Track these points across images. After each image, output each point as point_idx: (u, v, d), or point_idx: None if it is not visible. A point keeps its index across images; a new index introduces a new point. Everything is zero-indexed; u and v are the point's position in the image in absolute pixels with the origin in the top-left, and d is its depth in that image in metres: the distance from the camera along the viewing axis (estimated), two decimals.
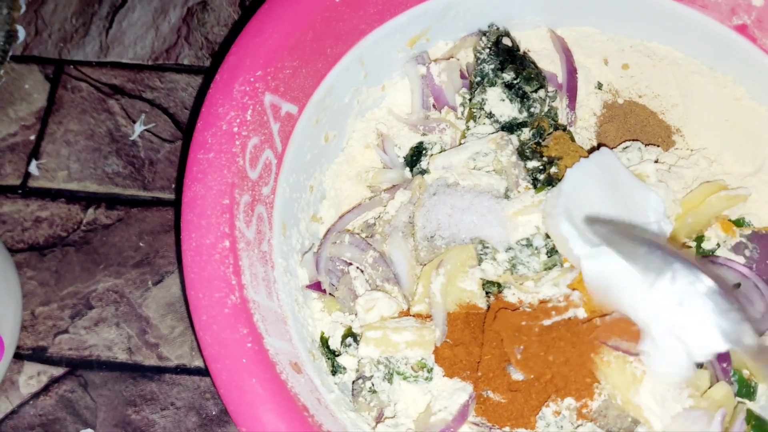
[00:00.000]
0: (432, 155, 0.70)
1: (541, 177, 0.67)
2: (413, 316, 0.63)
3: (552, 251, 0.64)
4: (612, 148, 0.70)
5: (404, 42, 0.73)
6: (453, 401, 0.59)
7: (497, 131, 0.70)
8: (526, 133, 0.70)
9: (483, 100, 0.71)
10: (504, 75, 0.71)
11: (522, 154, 0.69)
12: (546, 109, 0.72)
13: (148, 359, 0.72)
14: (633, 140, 0.73)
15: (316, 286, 0.66)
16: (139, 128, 0.82)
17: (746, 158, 0.72)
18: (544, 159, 0.68)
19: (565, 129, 0.71)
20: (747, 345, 0.54)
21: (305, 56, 0.64)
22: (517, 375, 0.60)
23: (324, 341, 0.64)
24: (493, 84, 0.71)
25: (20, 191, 0.79)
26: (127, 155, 0.80)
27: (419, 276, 0.64)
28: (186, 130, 0.81)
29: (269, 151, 0.62)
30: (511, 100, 0.70)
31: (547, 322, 0.60)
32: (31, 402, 0.70)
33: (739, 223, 0.69)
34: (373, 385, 0.61)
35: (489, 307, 0.63)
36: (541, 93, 0.71)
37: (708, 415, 0.57)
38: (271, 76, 0.61)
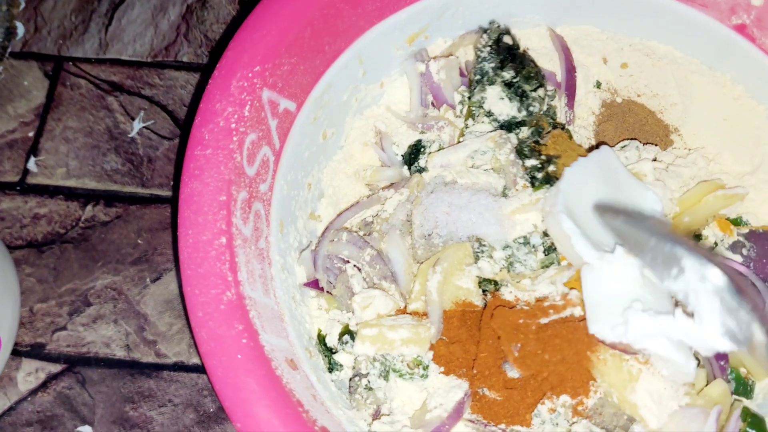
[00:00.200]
0: (430, 153, 0.70)
1: (540, 175, 0.67)
2: (410, 313, 0.63)
3: (549, 249, 0.64)
4: (610, 147, 0.70)
5: (403, 39, 0.73)
6: (449, 398, 0.59)
7: (496, 130, 0.70)
8: (524, 132, 0.70)
9: (482, 98, 0.71)
10: (504, 73, 0.71)
11: (520, 152, 0.69)
12: (545, 108, 0.72)
13: (146, 356, 0.72)
14: (631, 139, 0.73)
15: (314, 284, 0.66)
16: (137, 125, 0.82)
17: (744, 157, 0.72)
18: (543, 157, 0.68)
19: (563, 128, 0.71)
20: (755, 346, 0.52)
21: (303, 53, 0.64)
22: (512, 372, 0.60)
23: (321, 339, 0.64)
24: (492, 82, 0.71)
25: (19, 188, 0.79)
26: (126, 152, 0.81)
27: (416, 274, 0.64)
28: (184, 126, 0.81)
29: (267, 148, 0.62)
30: (510, 99, 0.70)
31: (544, 321, 0.60)
32: (29, 398, 0.70)
33: (736, 222, 0.69)
34: (369, 382, 0.61)
35: (485, 305, 0.63)
36: (540, 92, 0.71)
37: (704, 413, 0.57)
38: (269, 72, 0.61)
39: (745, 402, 0.63)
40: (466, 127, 0.71)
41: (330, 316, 0.66)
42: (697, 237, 0.68)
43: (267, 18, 0.63)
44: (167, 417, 0.69)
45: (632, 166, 0.68)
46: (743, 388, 0.64)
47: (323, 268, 0.66)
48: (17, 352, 0.72)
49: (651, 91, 0.76)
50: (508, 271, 0.64)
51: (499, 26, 0.74)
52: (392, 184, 0.70)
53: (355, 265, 0.65)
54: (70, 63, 0.85)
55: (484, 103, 0.70)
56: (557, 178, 0.65)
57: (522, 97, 0.70)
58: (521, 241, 0.64)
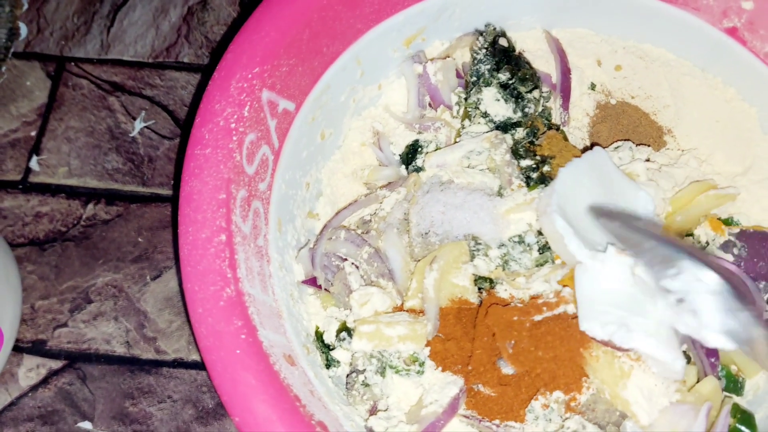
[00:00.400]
0: (427, 153, 0.71)
1: (534, 175, 0.68)
2: (407, 311, 0.64)
3: (544, 248, 0.65)
4: (604, 148, 0.71)
5: (400, 41, 0.74)
6: (444, 394, 0.60)
7: (492, 130, 0.71)
8: (520, 133, 0.71)
9: (478, 99, 0.72)
10: (499, 75, 0.72)
11: (515, 153, 0.70)
12: (540, 109, 0.73)
13: (146, 353, 0.73)
14: (625, 140, 0.74)
15: (312, 282, 0.67)
16: (138, 125, 0.83)
17: (736, 158, 0.73)
18: (538, 158, 0.69)
19: (558, 129, 0.72)
20: (756, 345, 0.53)
21: (302, 54, 0.65)
22: (507, 369, 0.61)
23: (319, 335, 0.65)
24: (488, 84, 0.72)
25: (21, 186, 0.80)
26: (127, 152, 0.82)
27: (413, 272, 0.65)
28: (184, 126, 0.83)
29: (266, 148, 0.63)
30: (506, 100, 0.71)
31: (537, 318, 0.61)
32: (30, 394, 0.71)
33: (728, 221, 0.70)
34: (366, 378, 0.62)
35: (481, 303, 0.64)
36: (536, 93, 0.72)
37: (694, 409, 0.58)
38: (268, 73, 0.62)
39: (736, 399, 0.64)
40: (463, 127, 0.72)
41: (328, 313, 0.67)
42: (689, 236, 0.69)
43: (266, 20, 0.64)
44: (166, 413, 0.70)
45: (625, 167, 0.69)
46: (734, 385, 0.64)
47: (321, 265, 0.67)
48: (19, 349, 0.73)
49: (644, 93, 0.77)
50: (503, 269, 0.65)
51: (494, 29, 0.75)
52: (390, 183, 0.71)
53: (352, 263, 0.66)
54: (72, 63, 0.86)
55: (480, 104, 0.71)
56: (552, 178, 0.66)
57: (517, 98, 0.71)
58: (516, 239, 0.65)
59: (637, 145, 0.73)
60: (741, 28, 0.70)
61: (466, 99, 0.73)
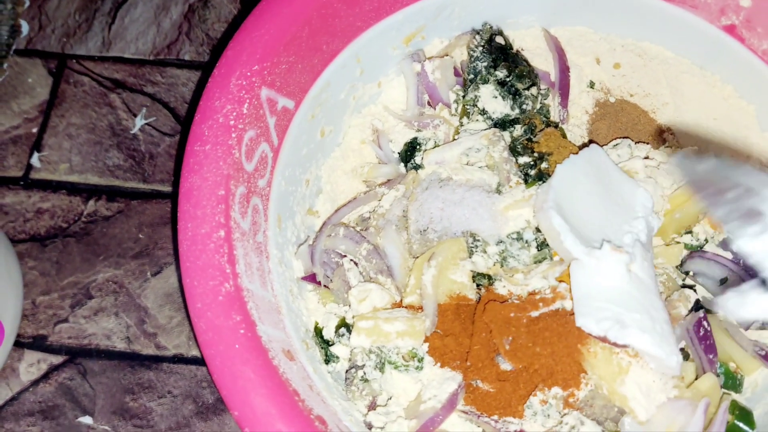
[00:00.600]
0: (426, 151, 0.71)
1: (532, 172, 0.68)
2: (405, 307, 0.64)
3: (542, 245, 0.65)
4: (603, 145, 0.72)
5: (400, 39, 0.74)
6: (442, 390, 0.60)
7: (490, 127, 0.71)
8: (518, 130, 0.71)
9: (476, 96, 0.72)
10: (497, 72, 0.72)
11: (513, 150, 0.70)
12: (538, 106, 0.73)
13: (146, 348, 0.73)
14: (624, 137, 0.74)
15: (311, 278, 0.68)
16: (139, 122, 0.83)
17: (734, 156, 0.73)
18: (535, 155, 0.69)
19: (556, 126, 0.73)
20: None
21: (301, 52, 0.65)
22: (505, 365, 0.61)
23: (318, 331, 0.66)
24: (486, 81, 0.72)
25: (22, 183, 0.80)
26: (128, 148, 0.82)
27: (412, 268, 0.66)
28: (185, 123, 0.83)
29: (265, 145, 0.63)
30: (503, 97, 0.72)
31: (534, 314, 0.61)
32: (31, 389, 0.72)
33: None
34: (365, 373, 0.62)
35: (479, 299, 0.64)
36: (533, 90, 0.73)
37: (692, 405, 0.59)
38: (267, 70, 0.62)
39: (734, 396, 0.64)
40: (461, 125, 0.72)
41: (327, 309, 0.67)
42: (688, 234, 0.69)
43: (266, 18, 0.64)
44: (166, 408, 0.71)
45: (624, 164, 0.69)
46: (732, 382, 0.64)
47: (320, 262, 0.67)
48: (20, 344, 0.73)
49: (643, 90, 0.77)
50: (502, 266, 0.65)
51: (491, 27, 0.75)
52: (389, 180, 0.71)
53: (351, 260, 0.67)
54: (74, 61, 0.86)
55: (478, 101, 0.71)
56: (549, 175, 0.66)
57: (515, 95, 0.71)
58: (514, 236, 0.66)
59: (636, 142, 0.74)
60: (739, 26, 0.71)
61: (464, 96, 0.73)
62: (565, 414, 0.60)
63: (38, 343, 0.73)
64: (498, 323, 0.61)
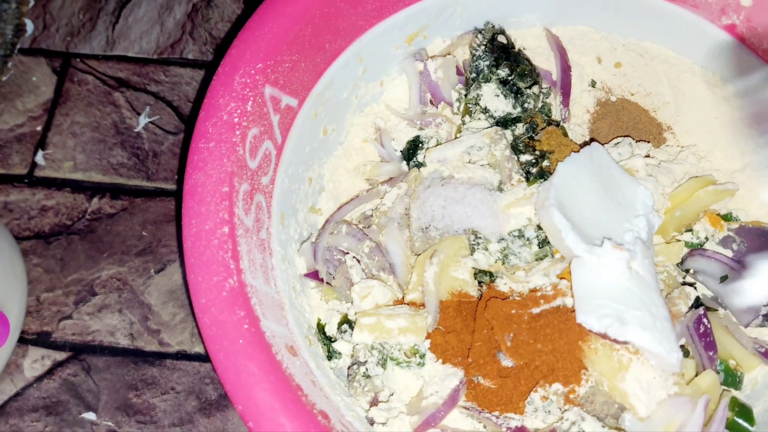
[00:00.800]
0: (428, 149, 0.72)
1: (534, 170, 0.69)
2: (407, 304, 0.64)
3: (543, 242, 0.66)
4: (604, 144, 0.72)
5: (402, 39, 0.75)
6: (444, 386, 0.61)
7: (492, 126, 0.71)
8: (519, 128, 0.72)
9: (478, 95, 0.72)
10: (499, 71, 0.72)
11: (515, 148, 0.70)
12: (540, 105, 0.74)
13: (150, 345, 0.74)
14: (625, 136, 0.74)
15: (314, 275, 0.68)
16: (143, 120, 0.84)
17: (735, 155, 0.74)
18: (537, 153, 0.69)
19: (558, 124, 0.73)
20: None
21: (304, 51, 0.66)
22: (506, 361, 0.61)
23: (320, 327, 0.66)
24: (488, 80, 0.72)
25: (27, 180, 0.81)
26: (132, 147, 0.82)
27: (414, 265, 0.66)
28: (188, 121, 0.83)
29: (269, 142, 0.64)
30: (505, 96, 0.72)
31: (535, 311, 0.62)
32: (35, 385, 0.72)
33: (727, 217, 0.71)
34: (367, 370, 0.63)
35: (481, 296, 0.64)
36: (535, 89, 0.73)
37: (692, 402, 0.59)
38: (271, 69, 0.63)
39: (734, 393, 0.64)
40: (463, 123, 0.73)
41: (329, 306, 0.67)
42: (689, 232, 0.69)
43: (269, 17, 0.64)
44: (170, 404, 0.71)
45: (625, 162, 0.70)
46: (732, 379, 0.65)
47: (323, 259, 0.68)
48: (24, 340, 0.74)
49: (644, 89, 0.77)
50: (503, 263, 0.66)
51: (493, 26, 0.75)
52: (391, 178, 0.72)
53: (354, 257, 0.67)
54: (78, 59, 0.87)
55: (480, 100, 0.72)
56: (551, 173, 0.66)
57: (517, 94, 0.72)
58: (516, 234, 0.66)
59: (636, 141, 0.74)
60: (740, 25, 0.71)
61: (466, 95, 0.74)
62: (565, 410, 0.60)
63: (42, 340, 0.74)
64: (499, 320, 0.62)
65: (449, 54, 0.76)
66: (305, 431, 0.51)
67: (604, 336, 0.59)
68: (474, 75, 0.73)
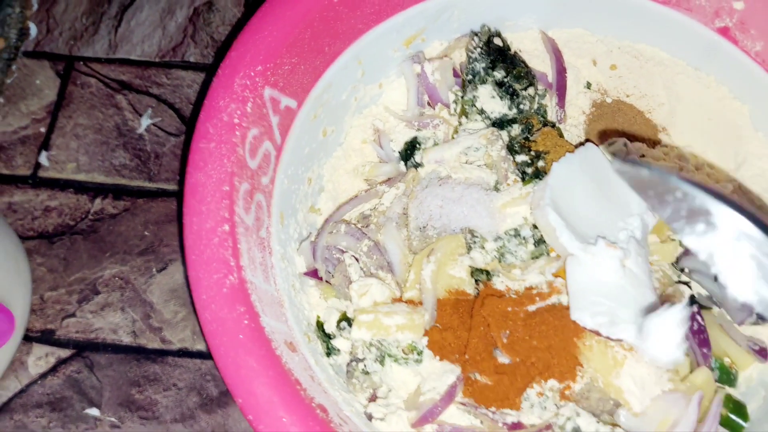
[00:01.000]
0: (425, 150, 0.73)
1: (529, 170, 0.70)
2: (405, 302, 0.65)
3: (539, 241, 0.67)
4: (599, 145, 0.73)
5: (400, 42, 0.75)
6: (441, 382, 0.62)
7: (488, 127, 0.72)
8: (515, 129, 0.73)
9: (475, 97, 0.73)
10: (495, 73, 0.74)
11: (511, 148, 0.71)
12: (535, 106, 0.75)
13: (152, 342, 0.75)
14: (619, 137, 0.75)
15: (313, 274, 0.69)
16: (145, 122, 0.85)
17: (729, 155, 0.74)
18: (532, 153, 0.70)
19: (553, 126, 0.74)
20: None
21: (304, 53, 0.67)
22: (503, 358, 0.62)
23: (319, 325, 0.67)
24: (484, 82, 0.73)
25: (31, 181, 0.82)
26: (134, 148, 0.84)
27: (411, 264, 0.67)
28: (191, 122, 0.85)
29: (268, 143, 0.65)
30: (501, 98, 0.73)
31: (531, 308, 0.63)
32: (39, 381, 0.73)
33: None
34: (365, 366, 0.63)
35: (478, 294, 0.65)
36: (531, 91, 0.74)
37: (686, 398, 0.59)
38: (270, 71, 0.64)
39: (729, 390, 0.65)
40: (460, 124, 0.74)
41: (328, 304, 0.68)
42: None
43: (269, 19, 0.65)
44: (171, 400, 0.72)
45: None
46: (727, 377, 0.65)
47: (322, 258, 0.69)
48: (28, 338, 0.75)
49: (639, 91, 0.78)
50: (500, 262, 0.67)
51: (489, 29, 0.76)
52: (389, 179, 0.72)
53: (352, 256, 0.68)
54: (81, 63, 0.88)
55: (476, 101, 0.73)
56: (546, 173, 0.67)
57: (513, 95, 0.73)
58: (512, 233, 0.67)
59: (632, 142, 0.75)
60: (733, 28, 0.72)
61: (463, 97, 0.75)
62: (561, 406, 0.61)
63: (46, 337, 0.75)
64: (496, 317, 0.62)
65: (446, 56, 0.77)
66: (304, 424, 0.52)
67: (597, 333, 0.60)
68: (471, 77, 0.74)
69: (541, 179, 0.67)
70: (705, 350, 0.64)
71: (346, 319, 0.66)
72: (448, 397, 0.61)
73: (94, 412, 0.72)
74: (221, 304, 0.55)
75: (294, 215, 0.69)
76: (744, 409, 0.64)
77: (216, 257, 0.56)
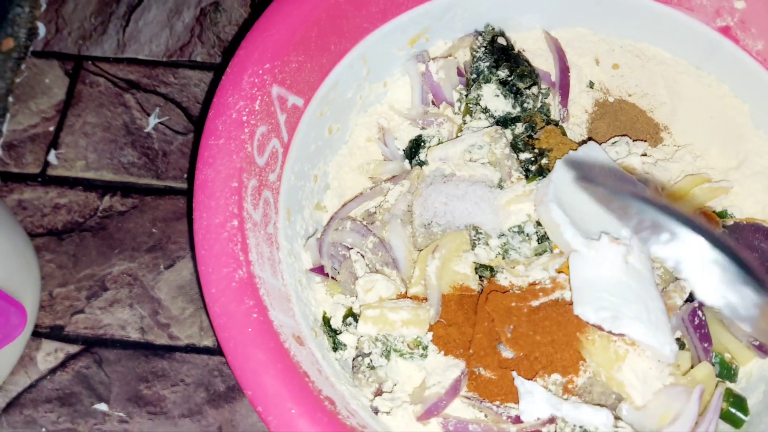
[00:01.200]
0: (430, 147, 0.73)
1: (533, 168, 0.70)
2: (410, 298, 0.66)
3: (542, 238, 0.67)
4: (602, 143, 0.74)
5: (405, 41, 0.76)
6: (446, 377, 0.62)
7: (492, 125, 0.73)
8: (519, 127, 0.73)
9: (479, 95, 0.74)
10: (499, 72, 0.74)
11: (515, 146, 0.72)
12: (539, 105, 0.76)
13: (160, 338, 0.76)
14: (622, 135, 0.76)
15: (319, 270, 0.70)
16: (153, 121, 0.86)
17: (730, 153, 0.75)
18: (536, 151, 0.71)
19: (556, 124, 0.75)
20: (759, 324, 0.47)
21: (310, 52, 0.68)
22: (507, 353, 0.63)
23: (326, 320, 0.68)
24: (488, 81, 0.74)
25: (40, 179, 0.83)
26: (142, 146, 0.85)
27: (416, 260, 0.68)
28: (198, 121, 0.85)
29: (276, 140, 0.66)
30: (505, 96, 0.74)
31: (535, 303, 0.63)
32: (48, 377, 0.74)
33: (722, 214, 0.72)
34: (371, 361, 0.64)
35: (482, 290, 0.66)
36: (534, 89, 0.75)
37: (687, 392, 0.60)
38: (278, 69, 0.65)
39: (729, 385, 0.66)
40: (464, 123, 0.74)
41: (335, 300, 0.69)
42: None
43: (276, 18, 0.66)
44: (179, 395, 0.73)
45: (622, 161, 0.71)
46: (727, 372, 0.66)
47: (328, 254, 0.69)
48: (38, 334, 0.76)
49: (641, 90, 0.79)
50: (503, 258, 0.67)
51: (493, 29, 0.77)
52: (394, 176, 0.73)
53: (358, 252, 0.68)
54: (90, 62, 0.89)
55: (480, 100, 0.74)
56: (549, 170, 0.68)
57: (516, 94, 0.74)
58: (516, 229, 0.68)
59: (634, 140, 0.76)
60: (734, 27, 0.73)
61: (467, 95, 0.75)
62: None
63: (55, 333, 0.76)
64: (500, 313, 0.63)
65: (450, 56, 0.78)
66: (312, 415, 0.53)
67: (600, 328, 0.60)
68: (474, 76, 0.75)
69: (544, 177, 0.68)
70: (706, 345, 0.64)
71: (351, 315, 0.66)
72: (453, 391, 0.62)
73: (102, 407, 0.73)
74: (230, 298, 0.55)
75: (300, 212, 0.70)
76: (744, 402, 0.65)
77: (225, 252, 0.57)
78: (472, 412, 0.63)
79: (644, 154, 0.74)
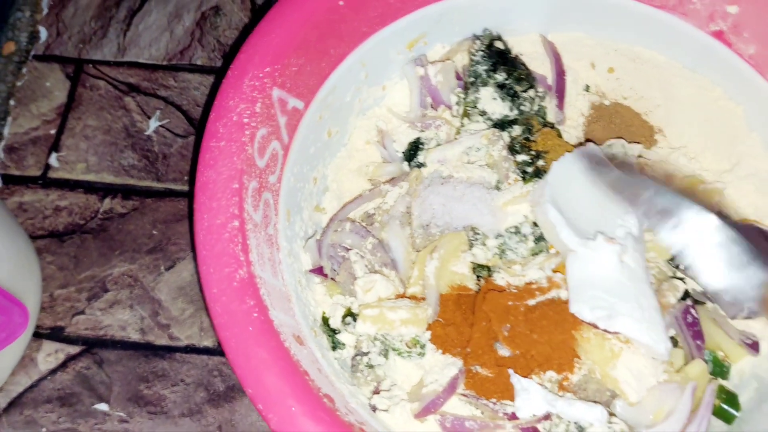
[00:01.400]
0: (428, 150, 0.74)
1: (530, 170, 0.71)
2: (409, 297, 0.66)
3: (539, 238, 0.68)
4: (598, 146, 0.75)
5: (403, 45, 0.77)
6: (444, 375, 0.63)
7: (489, 128, 0.74)
8: (516, 130, 0.74)
9: (476, 98, 0.75)
10: (496, 75, 0.75)
11: (512, 148, 0.73)
12: (536, 107, 0.76)
13: (160, 339, 0.76)
14: (618, 138, 0.77)
15: (319, 271, 0.70)
16: (153, 124, 0.86)
17: (723, 155, 0.76)
18: (533, 153, 0.72)
19: (552, 126, 0.76)
20: (763, 302, 0.49)
21: (310, 55, 0.68)
22: (503, 351, 0.63)
23: (325, 320, 0.68)
24: (485, 84, 0.75)
25: (41, 182, 0.83)
26: (142, 149, 0.85)
27: (415, 261, 0.68)
28: (198, 124, 0.86)
29: (276, 143, 0.66)
30: (502, 99, 0.75)
31: (531, 302, 0.64)
32: (49, 377, 0.74)
33: None
34: (370, 360, 0.64)
35: (479, 289, 0.67)
36: (531, 92, 0.76)
37: (680, 388, 0.61)
38: (278, 72, 0.65)
39: (722, 382, 0.66)
40: (462, 125, 0.75)
41: (334, 300, 0.69)
42: None
43: (277, 22, 0.67)
44: (179, 395, 0.74)
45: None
46: (720, 369, 0.67)
47: (328, 255, 0.70)
48: (38, 335, 0.76)
49: (636, 93, 0.79)
50: (501, 258, 0.68)
51: (490, 33, 0.78)
52: (393, 178, 0.74)
53: (357, 253, 0.69)
54: (90, 65, 0.89)
55: (478, 103, 0.74)
56: (546, 172, 0.69)
57: (513, 97, 0.74)
58: (513, 230, 0.68)
59: (629, 143, 0.76)
60: (727, 32, 0.73)
61: (465, 98, 0.76)
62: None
63: (56, 334, 0.76)
64: (497, 312, 0.64)
65: (448, 59, 0.79)
66: (312, 413, 0.53)
67: (596, 325, 0.61)
68: (472, 79, 0.76)
69: (541, 178, 0.69)
70: (699, 343, 0.65)
71: (350, 315, 0.67)
72: (450, 388, 0.62)
73: (103, 407, 0.73)
74: (231, 297, 0.56)
75: (300, 213, 0.71)
76: (736, 398, 0.65)
77: (226, 252, 0.57)
78: (469, 409, 0.64)
79: (640, 156, 0.75)
